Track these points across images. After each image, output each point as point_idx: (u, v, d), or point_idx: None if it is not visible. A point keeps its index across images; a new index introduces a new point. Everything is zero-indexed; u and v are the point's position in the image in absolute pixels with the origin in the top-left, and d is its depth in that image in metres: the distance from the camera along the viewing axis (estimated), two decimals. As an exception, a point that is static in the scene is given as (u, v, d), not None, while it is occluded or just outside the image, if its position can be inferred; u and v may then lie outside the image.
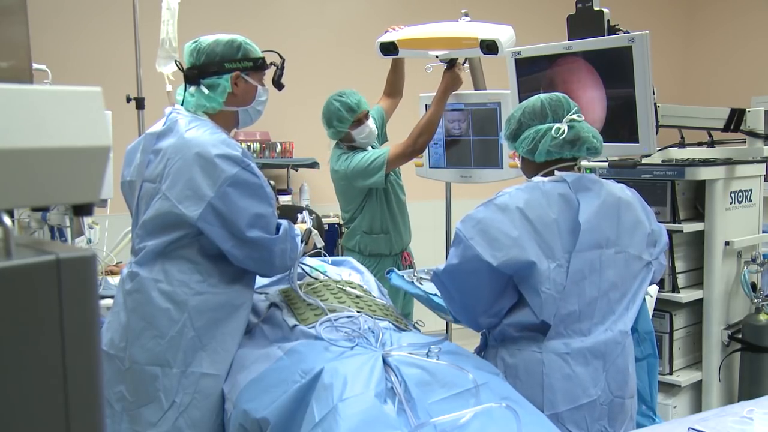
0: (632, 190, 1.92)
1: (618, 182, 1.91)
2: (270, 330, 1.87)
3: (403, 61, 3.07)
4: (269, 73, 1.97)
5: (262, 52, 1.93)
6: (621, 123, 2.43)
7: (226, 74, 1.85)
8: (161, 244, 1.78)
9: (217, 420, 1.79)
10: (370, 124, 2.92)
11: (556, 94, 1.87)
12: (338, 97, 2.86)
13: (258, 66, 1.90)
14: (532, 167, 1.88)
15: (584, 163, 2.82)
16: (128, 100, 3.05)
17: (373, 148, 2.95)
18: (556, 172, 1.81)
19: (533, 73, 2.63)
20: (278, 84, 1.98)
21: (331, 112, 2.86)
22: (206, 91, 1.85)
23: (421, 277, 2.30)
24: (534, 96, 1.88)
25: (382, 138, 3.16)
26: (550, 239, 1.71)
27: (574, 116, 1.81)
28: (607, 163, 2.65)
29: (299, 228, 2.05)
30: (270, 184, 2.08)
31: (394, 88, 3.16)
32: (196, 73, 1.84)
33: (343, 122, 2.85)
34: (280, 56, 1.95)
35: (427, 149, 3.02)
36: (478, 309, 1.78)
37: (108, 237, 2.95)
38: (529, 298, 1.72)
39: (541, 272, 1.69)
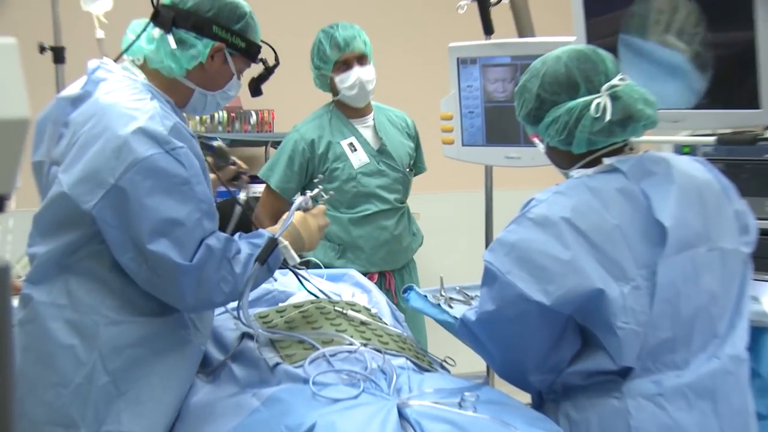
0: (701, 159, 1.92)
1: (724, 164, 1.91)
2: (242, 371, 1.89)
3: None
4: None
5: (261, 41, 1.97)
6: (734, 81, 2.43)
7: (208, 39, 1.87)
8: (57, 250, 1.76)
9: None
10: (365, 74, 3.01)
11: (582, 49, 1.86)
12: (327, 29, 3.06)
13: (248, 52, 1.94)
14: (566, 157, 1.88)
15: (681, 138, 2.82)
16: (42, 50, 3.08)
17: (382, 140, 3.09)
18: (604, 160, 1.82)
19: (609, 11, 2.63)
20: (256, 89, 2.03)
21: (314, 47, 3.06)
22: (173, 45, 1.85)
23: (450, 298, 2.32)
24: (552, 54, 1.87)
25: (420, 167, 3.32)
26: (616, 254, 1.72)
27: (615, 80, 1.80)
28: (714, 138, 2.66)
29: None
30: (240, 168, 2.09)
31: None
32: (172, 15, 1.84)
33: (326, 62, 3.01)
34: (277, 59, 1.99)
35: (460, 121, 3.05)
36: (529, 365, 1.79)
37: (14, 241, 2.97)
38: (603, 339, 1.73)
39: (613, 301, 1.70)
